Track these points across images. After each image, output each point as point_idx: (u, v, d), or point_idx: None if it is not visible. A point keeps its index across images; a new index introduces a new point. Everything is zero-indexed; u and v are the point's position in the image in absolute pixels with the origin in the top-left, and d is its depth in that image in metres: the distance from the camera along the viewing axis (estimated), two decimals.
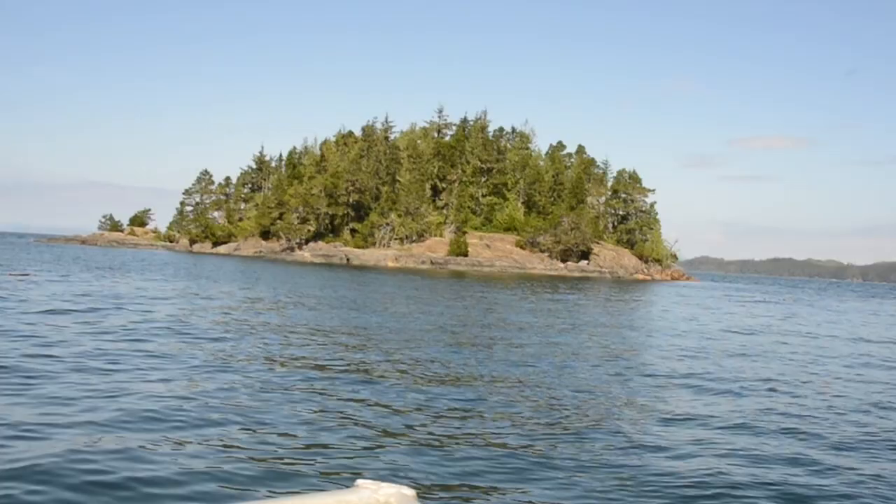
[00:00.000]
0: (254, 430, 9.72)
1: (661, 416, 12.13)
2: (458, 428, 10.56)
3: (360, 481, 3.43)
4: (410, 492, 3.40)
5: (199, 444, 9.00)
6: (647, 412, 12.47)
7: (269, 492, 7.48)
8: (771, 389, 15.43)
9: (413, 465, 8.75)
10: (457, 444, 9.68)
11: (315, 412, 10.89)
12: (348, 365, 15.26)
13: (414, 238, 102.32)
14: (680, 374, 17.03)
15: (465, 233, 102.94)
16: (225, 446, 8.94)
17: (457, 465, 8.87)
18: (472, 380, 14.38)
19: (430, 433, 10.17)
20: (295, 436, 9.58)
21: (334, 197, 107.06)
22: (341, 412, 11.01)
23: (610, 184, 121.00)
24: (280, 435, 9.57)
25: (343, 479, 7.97)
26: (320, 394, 12.25)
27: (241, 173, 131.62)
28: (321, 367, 14.74)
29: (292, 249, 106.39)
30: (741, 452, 10.09)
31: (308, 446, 9.18)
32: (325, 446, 9.20)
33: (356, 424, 10.36)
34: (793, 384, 16.31)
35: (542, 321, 28.29)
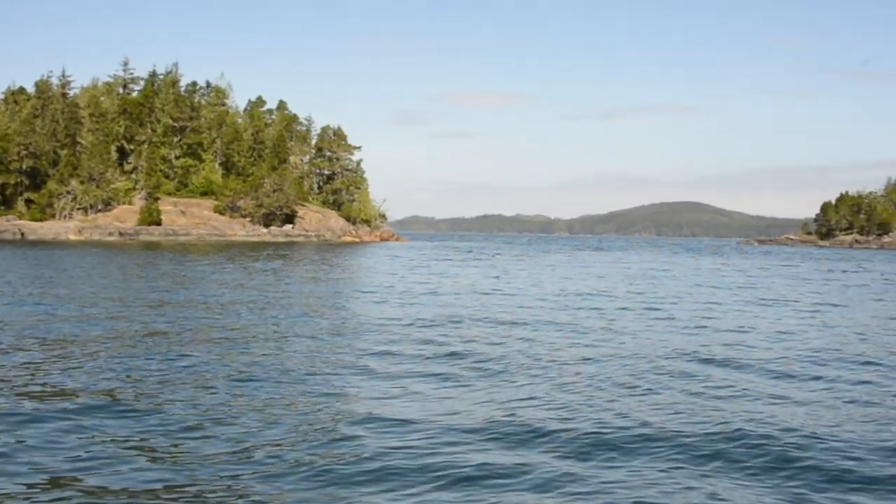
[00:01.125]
0: None
1: (353, 417, 10.12)
2: (72, 454, 7.88)
3: None
4: None
5: None
6: (336, 412, 10.42)
7: None
8: (478, 362, 14.20)
9: None
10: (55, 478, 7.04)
11: None
12: None
13: (100, 207, 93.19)
14: (378, 351, 15.50)
15: (157, 199, 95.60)
16: None
17: None
18: (123, 380, 11.51)
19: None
20: None
21: (4, 164, 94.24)
22: None
23: (314, 142, 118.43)
24: None
25: None
26: None
27: None
28: None
29: None
30: (437, 462, 8.45)
31: None
32: None
33: None
34: (502, 359, 14.86)
35: (230, 296, 25.65)
